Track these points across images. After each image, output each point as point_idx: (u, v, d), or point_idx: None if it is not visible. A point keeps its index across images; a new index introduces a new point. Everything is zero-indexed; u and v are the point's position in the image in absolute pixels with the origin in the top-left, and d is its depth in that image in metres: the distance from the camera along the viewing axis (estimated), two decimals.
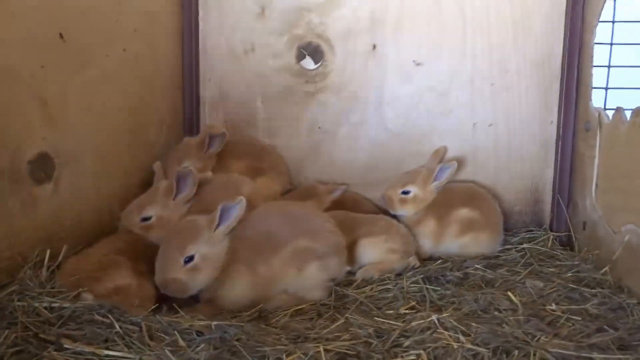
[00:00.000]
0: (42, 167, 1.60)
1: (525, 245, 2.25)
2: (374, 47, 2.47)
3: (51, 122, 1.64)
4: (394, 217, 2.28)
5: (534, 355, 1.34)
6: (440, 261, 2.14)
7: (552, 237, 2.30)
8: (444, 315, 1.61)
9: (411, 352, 1.39)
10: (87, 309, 1.43)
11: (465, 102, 2.44)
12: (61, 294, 1.49)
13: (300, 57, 2.51)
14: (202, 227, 1.68)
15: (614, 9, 2.26)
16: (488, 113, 2.44)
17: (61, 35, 1.65)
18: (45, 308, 1.42)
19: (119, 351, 1.30)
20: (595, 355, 1.35)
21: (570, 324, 1.55)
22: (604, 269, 1.88)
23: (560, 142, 2.37)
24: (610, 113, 2.00)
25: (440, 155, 2.39)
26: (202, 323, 1.49)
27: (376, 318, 1.63)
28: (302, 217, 1.91)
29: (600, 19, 2.14)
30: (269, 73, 2.53)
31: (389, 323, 1.59)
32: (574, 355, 1.34)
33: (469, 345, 1.41)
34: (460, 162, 2.43)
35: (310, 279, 1.81)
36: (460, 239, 2.20)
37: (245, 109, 2.58)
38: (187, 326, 1.47)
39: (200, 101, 2.58)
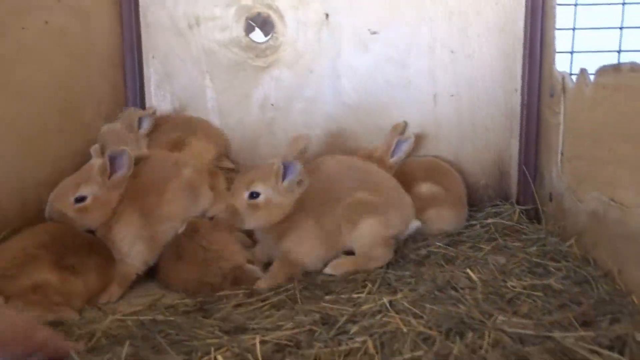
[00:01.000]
0: None
1: (490, 220, 2.13)
2: (327, 16, 2.31)
3: None
4: None
5: (489, 336, 1.22)
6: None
7: (518, 210, 2.19)
8: (397, 297, 1.49)
9: (356, 338, 1.27)
10: None
11: (425, 72, 2.30)
12: None
13: (249, 29, 2.35)
14: None
15: None
16: (449, 83, 2.30)
17: None
18: None
19: None
20: (555, 333, 1.23)
21: (532, 301, 1.43)
22: (570, 242, 1.77)
23: (525, 111, 2.24)
24: (575, 78, 1.88)
25: (399, 130, 2.25)
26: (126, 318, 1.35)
27: (324, 304, 1.50)
28: (364, 170, 1.89)
29: None
30: (216, 48, 2.37)
31: (337, 309, 1.46)
32: (532, 334, 1.23)
33: (420, 329, 1.29)
34: (422, 136, 2.32)
35: (367, 235, 1.76)
36: (422, 216, 2.07)
37: (193, 87, 2.42)
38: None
39: (144, 80, 2.41)
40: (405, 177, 2.11)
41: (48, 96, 1.86)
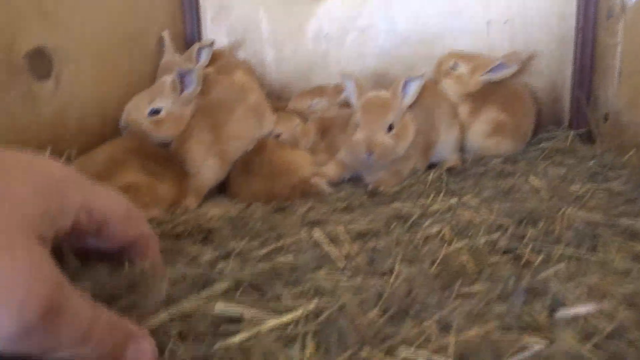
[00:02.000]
0: (40, 63, 1.53)
1: (544, 144, 2.18)
2: None
3: (46, 16, 1.56)
4: None
5: (561, 222, 1.29)
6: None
7: (572, 134, 2.22)
8: (464, 199, 1.57)
9: (432, 228, 1.35)
10: None
11: None
12: None
13: None
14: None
15: None
16: (502, 9, 2.31)
17: None
18: None
19: None
20: (623, 221, 1.30)
21: (597, 199, 1.49)
22: (629, 154, 1.81)
23: (580, 35, 2.25)
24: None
25: (513, 58, 2.21)
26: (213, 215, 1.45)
27: (394, 205, 1.58)
28: None
29: None
30: None
31: (408, 208, 1.54)
32: (602, 222, 1.29)
33: (492, 219, 1.36)
34: None
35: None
36: (483, 141, 2.11)
37: (248, 19, 2.48)
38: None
39: (200, 13, 2.48)
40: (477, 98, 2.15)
41: (116, 20, 1.94)
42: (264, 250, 1.20)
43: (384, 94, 1.86)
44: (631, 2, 1.91)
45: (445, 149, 2.04)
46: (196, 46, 2.24)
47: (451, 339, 0.85)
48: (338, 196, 1.75)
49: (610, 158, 1.87)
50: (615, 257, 1.13)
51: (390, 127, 1.78)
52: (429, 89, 2.01)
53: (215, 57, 2.34)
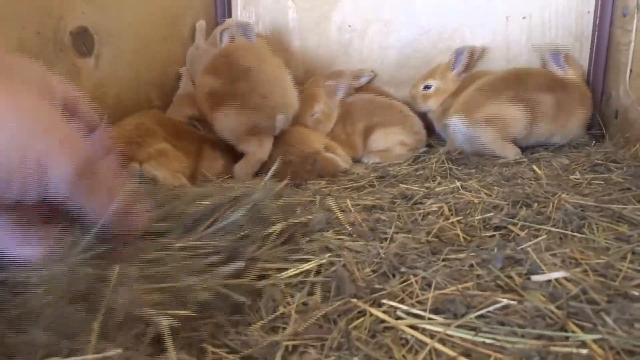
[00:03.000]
0: (83, 41, 1.69)
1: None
2: None
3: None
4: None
5: (553, 204, 1.38)
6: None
7: None
8: (467, 183, 1.67)
9: (434, 205, 1.46)
10: None
11: None
12: None
13: None
14: None
15: None
16: (522, 5, 2.38)
17: None
18: None
19: None
20: (614, 206, 1.38)
21: (593, 187, 1.58)
22: (635, 148, 1.87)
23: (596, 33, 2.30)
24: None
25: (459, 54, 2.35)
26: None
27: (401, 185, 1.70)
28: None
29: None
30: None
31: (413, 189, 1.65)
32: (592, 206, 1.38)
33: (490, 200, 1.46)
34: (492, 57, 2.42)
35: None
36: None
37: (275, 8, 2.60)
38: None
39: (232, 1, 2.61)
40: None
41: (155, 6, 2.10)
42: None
43: None
44: None
45: None
46: (218, 30, 2.37)
47: (430, 294, 0.96)
48: (349, 178, 1.86)
49: (615, 151, 1.94)
50: (599, 236, 1.22)
51: None
52: None
53: None
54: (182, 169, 1.74)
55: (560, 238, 1.22)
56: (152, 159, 1.60)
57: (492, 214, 1.37)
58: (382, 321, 0.91)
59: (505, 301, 0.92)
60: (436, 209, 1.44)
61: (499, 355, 0.81)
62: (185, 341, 0.83)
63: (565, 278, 1.00)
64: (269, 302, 0.95)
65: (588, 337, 0.84)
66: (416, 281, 1.02)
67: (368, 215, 1.38)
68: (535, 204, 1.42)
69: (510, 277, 1.02)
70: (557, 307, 0.92)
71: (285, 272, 1.04)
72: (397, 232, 1.26)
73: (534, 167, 1.78)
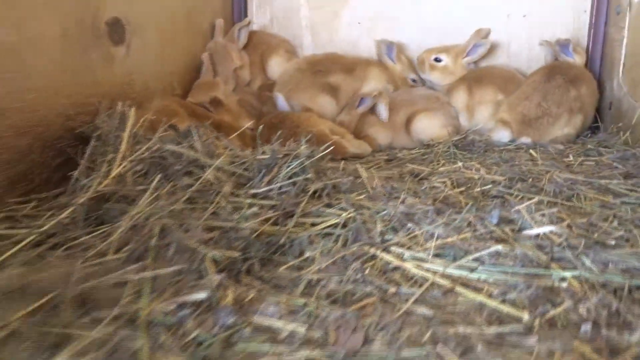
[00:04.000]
0: (116, 30, 1.84)
1: None
2: None
3: None
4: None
5: (546, 179, 1.52)
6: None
7: None
8: (469, 163, 1.80)
9: (438, 180, 1.60)
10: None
11: None
12: None
13: None
14: None
15: None
16: (522, 3, 2.53)
17: None
18: None
19: None
20: (600, 181, 1.52)
21: (584, 167, 1.71)
22: (625, 135, 2.01)
23: (592, 31, 2.45)
24: None
25: (481, 35, 2.50)
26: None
27: (408, 165, 1.84)
28: None
29: None
30: None
31: (420, 168, 1.79)
32: (581, 181, 1.52)
33: (488, 177, 1.60)
34: (493, 54, 2.57)
35: None
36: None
37: (289, 6, 2.75)
38: None
39: (247, 1, 2.77)
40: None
41: (178, 1, 2.25)
42: None
43: None
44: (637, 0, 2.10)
45: None
46: (236, 27, 2.52)
47: (433, 243, 1.10)
48: (360, 161, 2.00)
49: (608, 138, 2.08)
50: (586, 204, 1.36)
51: None
52: None
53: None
54: None
55: (551, 206, 1.36)
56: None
57: (490, 186, 1.51)
58: (391, 263, 1.05)
59: (499, 247, 1.06)
60: (440, 184, 1.58)
61: (491, 288, 0.95)
62: (226, 272, 0.97)
63: (552, 232, 1.13)
64: (298, 246, 1.10)
65: (567, 274, 0.98)
66: (421, 233, 1.15)
67: (385, 182, 1.52)
68: (530, 179, 1.56)
69: (503, 231, 1.16)
70: (543, 253, 1.06)
71: (315, 225, 1.19)
72: (406, 198, 1.40)
73: (531, 151, 1.92)
